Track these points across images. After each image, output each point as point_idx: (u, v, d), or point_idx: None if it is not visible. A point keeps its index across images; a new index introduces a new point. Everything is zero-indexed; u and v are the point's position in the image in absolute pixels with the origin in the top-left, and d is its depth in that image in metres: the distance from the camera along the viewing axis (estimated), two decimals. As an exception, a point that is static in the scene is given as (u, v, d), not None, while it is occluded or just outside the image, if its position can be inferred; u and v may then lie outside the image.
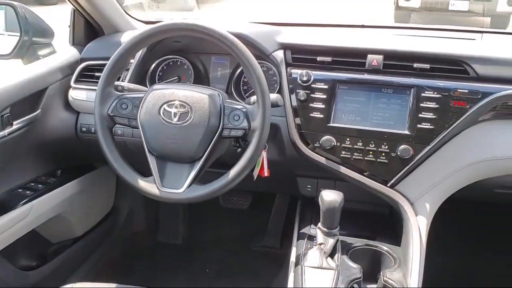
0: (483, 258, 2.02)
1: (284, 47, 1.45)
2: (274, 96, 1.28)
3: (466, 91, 1.28)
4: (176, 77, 1.64)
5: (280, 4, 9.39)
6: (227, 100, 1.29)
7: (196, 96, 1.24)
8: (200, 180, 1.26)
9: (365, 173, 1.36)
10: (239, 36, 1.35)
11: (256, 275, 2.11)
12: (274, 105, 1.28)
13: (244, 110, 1.24)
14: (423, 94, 1.31)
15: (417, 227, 1.27)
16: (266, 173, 1.42)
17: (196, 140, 1.22)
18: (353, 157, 1.36)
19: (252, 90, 1.33)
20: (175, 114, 1.23)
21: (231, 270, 2.17)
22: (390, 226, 1.49)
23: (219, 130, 1.24)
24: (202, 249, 2.32)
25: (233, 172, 1.23)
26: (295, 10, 8.84)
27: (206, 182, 1.24)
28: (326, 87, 1.38)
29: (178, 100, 1.24)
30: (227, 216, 2.38)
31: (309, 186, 1.58)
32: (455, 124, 1.28)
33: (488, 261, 2.01)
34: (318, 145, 1.37)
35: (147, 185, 1.25)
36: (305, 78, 1.38)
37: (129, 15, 1.83)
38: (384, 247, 1.35)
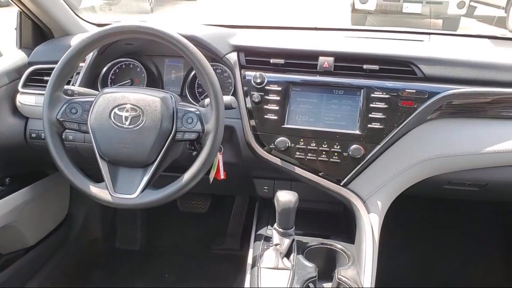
0: (435, 252, 2.08)
1: (238, 49, 1.46)
2: (228, 98, 1.28)
3: (414, 91, 1.33)
4: (129, 80, 1.61)
5: (237, 7, 9.44)
6: (180, 103, 1.28)
7: (148, 99, 1.22)
8: (155, 184, 1.25)
9: (319, 173, 1.38)
10: (192, 39, 1.34)
11: (216, 278, 2.10)
12: (228, 107, 1.28)
13: (198, 112, 1.24)
14: (372, 95, 1.34)
15: (370, 224, 1.30)
16: (222, 176, 1.42)
17: (148, 144, 1.20)
18: (307, 157, 1.37)
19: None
20: (126, 118, 1.21)
21: (191, 274, 2.15)
22: (345, 224, 1.52)
23: (172, 133, 1.22)
24: (161, 255, 2.29)
25: (187, 175, 1.22)
26: (253, 13, 8.89)
27: (161, 187, 1.23)
28: (279, 88, 1.39)
29: (130, 104, 1.22)
30: (186, 220, 2.36)
31: (266, 187, 1.59)
32: (403, 123, 1.32)
33: (441, 255, 2.08)
34: (273, 146, 1.38)
35: (99, 191, 1.23)
36: (258, 80, 1.39)
37: (80, 18, 1.78)
38: (338, 245, 1.37)
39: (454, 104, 1.34)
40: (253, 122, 1.40)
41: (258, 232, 1.48)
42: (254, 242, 1.43)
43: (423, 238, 2.09)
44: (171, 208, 2.27)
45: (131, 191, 1.22)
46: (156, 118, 1.20)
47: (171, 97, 1.26)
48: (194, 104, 1.38)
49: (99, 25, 1.83)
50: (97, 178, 1.26)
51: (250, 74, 1.41)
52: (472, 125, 1.37)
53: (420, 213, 2.08)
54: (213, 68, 1.50)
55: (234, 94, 1.45)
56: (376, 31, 1.87)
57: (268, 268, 1.20)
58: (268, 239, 1.37)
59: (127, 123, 1.21)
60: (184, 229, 2.37)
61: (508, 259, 2.03)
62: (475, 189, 1.49)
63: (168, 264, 2.23)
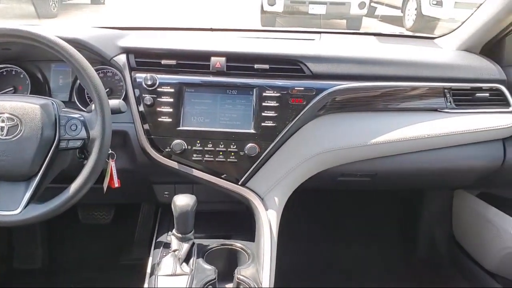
0: (338, 242, 2.17)
1: (127, 51, 1.41)
2: (116, 102, 1.23)
3: (302, 88, 1.36)
4: (12, 88, 1.49)
5: (145, 11, 9.25)
6: (64, 109, 1.20)
7: (26, 107, 1.13)
8: (42, 198, 1.16)
9: (217, 174, 1.37)
10: (74, 41, 1.28)
11: None
12: (117, 111, 1.23)
13: (82, 118, 1.17)
14: (264, 94, 1.36)
15: (268, 221, 1.31)
16: (116, 184, 1.36)
17: (29, 155, 1.12)
18: (205, 159, 1.36)
19: None
20: (2, 128, 1.12)
21: None
22: (248, 223, 1.52)
23: (55, 142, 1.15)
24: (65, 271, 2.15)
25: (74, 186, 1.15)
26: (163, 15, 8.76)
27: (50, 200, 1.15)
28: (172, 90, 1.36)
29: (7, 113, 1.12)
30: (90, 232, 2.24)
31: (166, 193, 1.55)
32: (295, 120, 1.36)
33: (343, 244, 2.17)
34: (169, 149, 1.35)
35: None
36: (149, 82, 1.35)
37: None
38: (238, 244, 1.38)
39: (340, 99, 1.39)
40: (146, 126, 1.36)
41: (158, 239, 1.44)
42: (154, 249, 1.38)
43: (326, 229, 2.17)
44: (73, 221, 2.15)
45: (14, 207, 1.12)
46: (36, 127, 1.12)
47: (52, 103, 1.18)
48: (83, 110, 1.31)
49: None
50: None
51: (140, 76, 1.37)
52: (360, 119, 1.44)
53: (321, 205, 2.15)
54: (103, 71, 1.46)
55: (126, 97, 1.40)
56: (271, 31, 1.91)
57: (166, 275, 1.17)
58: (167, 245, 1.34)
59: (4, 133, 1.12)
60: (89, 242, 2.25)
61: (403, 243, 2.17)
62: (366, 179, 1.57)
63: (73, 280, 2.10)
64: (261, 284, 1.20)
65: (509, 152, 1.51)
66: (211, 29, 1.81)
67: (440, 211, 1.95)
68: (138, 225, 2.18)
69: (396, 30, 8.87)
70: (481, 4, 1.50)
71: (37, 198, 1.15)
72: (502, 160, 1.51)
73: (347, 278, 1.99)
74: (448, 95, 1.46)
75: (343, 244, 2.15)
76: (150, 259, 1.34)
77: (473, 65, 1.50)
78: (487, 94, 1.48)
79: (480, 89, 1.48)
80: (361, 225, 2.19)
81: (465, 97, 1.47)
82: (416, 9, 8.92)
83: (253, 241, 1.39)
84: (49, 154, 1.14)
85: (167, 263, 1.21)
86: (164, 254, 1.30)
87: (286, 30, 1.90)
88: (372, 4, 10.42)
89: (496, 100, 1.49)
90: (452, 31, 1.67)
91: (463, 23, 1.60)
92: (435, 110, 1.46)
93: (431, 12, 8.44)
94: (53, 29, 1.31)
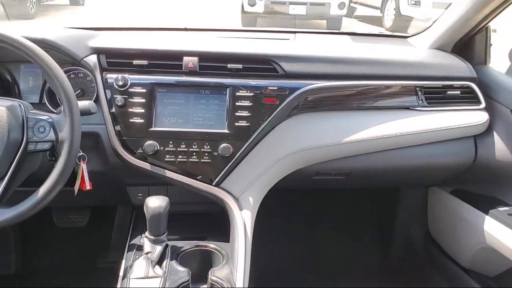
0: (316, 241, 2.17)
1: (98, 51, 1.39)
2: (86, 103, 1.21)
3: (276, 88, 1.36)
4: None
5: (125, 11, 9.18)
6: (32, 111, 1.18)
7: None
8: (11, 201, 1.13)
9: (190, 175, 1.36)
10: (42, 42, 1.26)
11: None
12: (87, 112, 1.21)
13: (50, 120, 1.15)
14: (238, 93, 1.35)
15: (242, 221, 1.31)
16: (88, 186, 1.34)
17: None
18: (178, 160, 1.35)
19: None
20: None
21: None
22: (223, 224, 1.51)
23: (23, 144, 1.12)
24: (40, 276, 2.11)
25: (43, 189, 1.12)
26: (139, 16, 8.70)
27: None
28: (144, 91, 1.35)
29: None
30: (66, 236, 2.20)
31: (140, 195, 1.53)
32: (268, 120, 1.36)
33: (321, 243, 2.17)
34: (141, 151, 1.34)
35: None
36: (121, 83, 1.34)
37: None
38: (212, 245, 1.37)
39: (314, 99, 1.40)
40: (118, 127, 1.34)
41: (132, 242, 1.43)
42: (127, 252, 1.37)
43: (304, 229, 2.17)
44: (48, 224, 2.11)
45: None
46: (3, 130, 1.09)
47: (20, 105, 1.15)
48: (54, 112, 1.29)
49: None
50: None
51: (112, 76, 1.35)
52: (333, 118, 1.45)
53: (299, 205, 2.16)
54: (74, 72, 1.44)
55: (97, 98, 1.38)
56: (245, 31, 1.91)
57: (138, 278, 1.16)
58: (141, 248, 1.32)
59: None
60: (65, 246, 2.21)
61: (380, 241, 2.18)
62: (341, 178, 1.58)
63: (48, 285, 2.06)
64: (235, 285, 1.19)
65: (481, 149, 1.53)
66: (185, 29, 1.80)
67: (416, 209, 1.97)
68: (115, 227, 2.15)
69: (376, 30, 8.99)
70: (450, 4, 1.52)
71: (4, 202, 1.12)
72: (474, 157, 1.54)
73: (324, 277, 1.99)
74: (419, 93, 1.47)
75: (320, 243, 2.16)
76: (123, 262, 1.33)
77: (444, 64, 1.52)
78: (458, 92, 1.50)
79: (451, 87, 1.50)
80: (338, 224, 2.20)
81: (437, 95, 1.49)
82: (394, 9, 9.03)
83: (228, 242, 1.39)
84: (17, 157, 1.11)
85: (140, 266, 1.19)
86: (137, 256, 1.28)
87: (261, 30, 1.91)
88: (352, 4, 10.52)
89: (467, 98, 1.51)
90: (425, 30, 1.69)
91: (434, 22, 1.62)
92: (407, 108, 1.47)
93: (409, 12, 8.57)
94: (21, 29, 1.28)
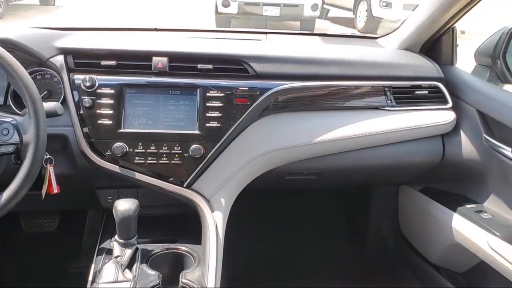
0: (290, 241, 2.18)
1: (64, 52, 1.35)
2: (51, 105, 1.18)
3: (247, 88, 1.36)
4: None
5: (97, 11, 9.05)
6: None
7: None
8: None
9: (161, 177, 1.34)
10: (5, 41, 1.23)
11: None
12: (53, 114, 1.18)
13: (14, 122, 1.12)
14: (208, 94, 1.34)
15: (214, 223, 1.30)
16: (55, 190, 1.31)
17: None
18: (147, 161, 1.33)
19: None
20: None
21: None
22: (195, 226, 1.50)
23: None
24: (8, 284, 2.05)
25: (7, 193, 1.09)
26: (112, 16, 8.59)
27: None
28: (112, 92, 1.32)
29: None
30: (35, 241, 2.14)
31: (110, 198, 1.51)
32: (239, 120, 1.35)
33: (295, 243, 2.18)
34: (110, 153, 1.31)
35: None
36: (88, 84, 1.31)
37: None
38: (184, 247, 1.35)
39: (284, 99, 1.40)
40: (86, 129, 1.32)
41: (102, 246, 1.40)
42: (97, 256, 1.34)
43: (278, 229, 2.18)
44: (15, 230, 2.05)
45: None
46: None
47: None
48: (19, 114, 1.25)
49: None
50: None
51: (79, 77, 1.32)
52: (304, 118, 1.45)
53: (272, 205, 2.16)
54: (40, 73, 1.41)
55: (65, 99, 1.35)
56: (217, 31, 1.90)
57: (107, 282, 1.13)
58: (110, 252, 1.30)
59: None
60: (34, 252, 2.15)
61: (353, 240, 2.20)
62: (313, 177, 1.59)
63: None
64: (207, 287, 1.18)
65: (448, 147, 1.56)
66: (156, 29, 1.78)
67: (387, 207, 1.99)
68: (85, 231, 2.11)
69: (349, 31, 9.10)
70: (417, 5, 1.55)
71: None
72: (442, 155, 1.57)
73: (298, 277, 2.00)
74: (388, 93, 1.49)
75: (294, 243, 2.16)
76: (93, 266, 1.30)
77: (412, 64, 1.55)
78: (426, 92, 1.53)
79: (419, 87, 1.53)
80: (312, 224, 2.21)
81: (405, 95, 1.51)
82: (367, 11, 9.17)
83: (200, 244, 1.37)
84: None
85: (109, 270, 1.17)
86: (107, 260, 1.26)
87: (232, 30, 1.90)
88: (325, 6, 10.64)
89: (434, 97, 1.54)
90: (393, 31, 1.72)
91: (402, 23, 1.65)
92: (377, 108, 1.49)
93: (381, 13, 8.71)
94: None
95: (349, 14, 10.21)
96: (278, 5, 8.25)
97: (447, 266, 1.74)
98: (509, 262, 1.33)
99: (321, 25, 9.93)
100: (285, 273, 2.02)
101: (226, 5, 8.28)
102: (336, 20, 10.96)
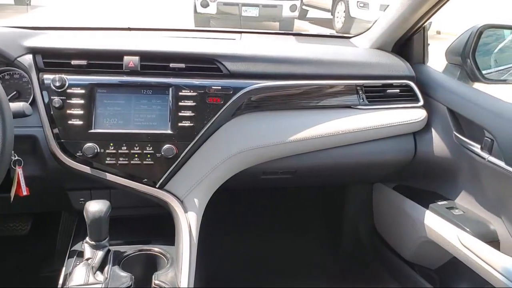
0: (267, 240, 2.18)
1: (33, 51, 1.33)
2: (19, 105, 1.16)
3: (220, 87, 1.35)
4: None
5: (73, 11, 8.93)
6: None
7: None
8: None
9: (133, 178, 1.33)
10: None
11: None
12: (20, 114, 1.16)
13: None
14: (181, 93, 1.33)
15: (187, 223, 1.29)
16: (24, 192, 1.28)
17: None
18: (119, 162, 1.31)
19: None
20: None
21: None
22: (169, 227, 1.49)
23: None
24: None
25: None
26: (88, 16, 8.49)
27: None
28: (83, 91, 1.30)
29: None
30: (6, 246, 2.10)
31: (82, 199, 1.48)
32: (212, 120, 1.34)
33: (272, 241, 2.18)
34: (81, 154, 1.29)
35: None
36: (58, 84, 1.29)
37: None
38: (156, 249, 1.34)
39: (258, 98, 1.40)
40: (56, 130, 1.29)
41: (73, 248, 1.38)
42: (68, 259, 1.32)
43: (255, 229, 2.18)
44: (-15, 234, 2.01)
45: None
46: None
47: None
48: None
49: None
50: None
51: (49, 77, 1.30)
52: (278, 117, 1.45)
53: (249, 204, 2.15)
54: (9, 73, 1.38)
55: (34, 100, 1.32)
56: (191, 30, 1.89)
57: (77, 285, 1.12)
58: (82, 254, 1.28)
59: None
60: (5, 256, 2.10)
61: (330, 238, 2.22)
62: (288, 176, 1.59)
63: None
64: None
65: (420, 145, 1.58)
66: (129, 29, 1.76)
67: (362, 205, 2.01)
68: (59, 234, 2.07)
69: (327, 32, 9.15)
70: (388, 5, 1.57)
71: None
72: (414, 153, 1.59)
73: (275, 276, 2.00)
74: (360, 92, 1.50)
75: (271, 242, 2.17)
76: (64, 269, 1.28)
77: (384, 63, 1.56)
78: (398, 90, 1.54)
79: (391, 86, 1.54)
80: (288, 223, 2.22)
81: (377, 94, 1.52)
82: (344, 12, 9.25)
83: (174, 245, 1.36)
84: None
85: (80, 273, 1.15)
86: (78, 263, 1.24)
87: (207, 30, 1.90)
88: (304, 7, 10.71)
89: (406, 96, 1.56)
90: (366, 31, 1.73)
91: (374, 22, 1.66)
92: (349, 107, 1.50)
93: (358, 14, 8.81)
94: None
95: (328, 15, 10.30)
96: (257, 5, 8.27)
97: (420, 263, 1.76)
98: (479, 257, 1.36)
99: (300, 26, 9.99)
100: (262, 272, 2.02)
101: (204, 5, 8.26)
102: (315, 21, 11.04)
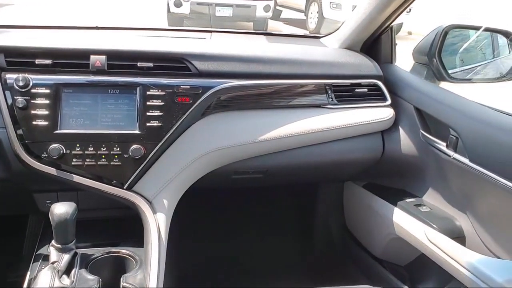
0: (239, 239, 2.17)
1: None
2: None
3: (188, 87, 1.34)
4: None
5: (41, 10, 8.75)
6: None
7: None
8: None
9: (100, 179, 1.30)
10: None
11: None
12: None
13: None
14: (148, 93, 1.32)
15: (156, 225, 1.27)
16: None
17: None
18: (86, 163, 1.29)
19: None
20: None
21: None
22: (139, 228, 1.47)
23: None
24: None
25: None
26: (61, 15, 8.32)
27: None
28: (48, 91, 1.27)
29: None
30: None
31: (48, 201, 1.45)
32: (181, 120, 1.33)
33: (243, 243, 2.18)
34: (46, 155, 1.26)
35: None
36: (21, 83, 1.26)
37: None
38: (125, 251, 1.32)
39: (227, 98, 1.40)
40: (20, 131, 1.26)
41: (39, 252, 1.35)
42: (33, 263, 1.29)
43: (227, 229, 2.17)
44: None
45: None
46: None
47: None
48: None
49: None
50: None
51: (11, 77, 1.27)
52: (248, 116, 1.45)
53: (221, 204, 2.14)
54: (-30, 73, 1.33)
55: None
56: (161, 30, 1.87)
57: (42, 289, 1.09)
58: (47, 258, 1.25)
59: None
60: None
61: (302, 236, 2.23)
62: (259, 176, 1.59)
63: None
64: None
65: (388, 143, 1.61)
66: (97, 28, 1.73)
67: (333, 203, 2.03)
68: (26, 238, 2.02)
69: (301, 32, 9.22)
70: (356, 5, 1.59)
71: None
72: (382, 151, 1.61)
73: (248, 275, 2.00)
74: (329, 92, 1.52)
75: (244, 242, 2.16)
76: (28, 273, 1.25)
77: (352, 62, 1.58)
78: (366, 90, 1.57)
79: (359, 85, 1.56)
80: (261, 222, 2.21)
81: (346, 93, 1.54)
82: (318, 12, 9.33)
83: (143, 247, 1.34)
84: None
85: (45, 277, 1.12)
86: (43, 267, 1.20)
87: (177, 29, 1.88)
88: (277, 7, 10.75)
89: (374, 95, 1.58)
90: (335, 31, 1.75)
91: (343, 22, 1.68)
92: (319, 106, 1.51)
93: (331, 15, 8.90)
94: None
95: (302, 16, 10.37)
96: (230, 6, 8.27)
97: (390, 260, 1.79)
98: (445, 253, 1.38)
99: (274, 26, 10.03)
100: (235, 272, 2.02)
101: (178, 5, 8.21)
102: (289, 21, 11.10)
